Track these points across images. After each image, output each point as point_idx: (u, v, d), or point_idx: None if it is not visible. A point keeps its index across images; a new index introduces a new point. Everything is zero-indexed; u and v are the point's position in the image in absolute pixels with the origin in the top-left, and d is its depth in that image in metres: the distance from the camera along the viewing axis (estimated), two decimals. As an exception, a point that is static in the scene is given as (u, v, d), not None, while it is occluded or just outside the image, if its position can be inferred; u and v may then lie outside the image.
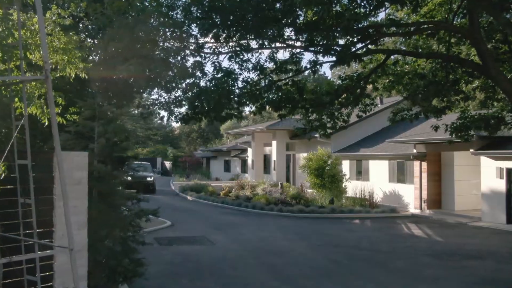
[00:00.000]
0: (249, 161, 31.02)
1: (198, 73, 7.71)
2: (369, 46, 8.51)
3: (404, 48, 11.24)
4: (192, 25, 7.61)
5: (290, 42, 9.27)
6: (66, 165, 5.42)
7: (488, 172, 15.92)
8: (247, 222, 15.34)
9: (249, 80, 9.78)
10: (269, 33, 7.59)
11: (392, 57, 10.84)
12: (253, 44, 9.28)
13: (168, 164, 48.51)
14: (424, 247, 11.23)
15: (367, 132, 24.65)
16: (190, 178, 32.11)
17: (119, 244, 6.76)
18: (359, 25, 7.49)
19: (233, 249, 10.78)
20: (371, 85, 11.23)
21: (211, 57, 8.54)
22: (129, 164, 7.50)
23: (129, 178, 23.29)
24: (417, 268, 9.07)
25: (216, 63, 8.46)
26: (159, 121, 70.90)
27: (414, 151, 18.51)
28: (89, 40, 9.07)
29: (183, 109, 9.70)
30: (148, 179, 25.47)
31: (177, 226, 14.11)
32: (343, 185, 20.11)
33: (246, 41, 8.44)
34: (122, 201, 6.83)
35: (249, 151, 31.12)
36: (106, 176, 6.74)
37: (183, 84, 7.89)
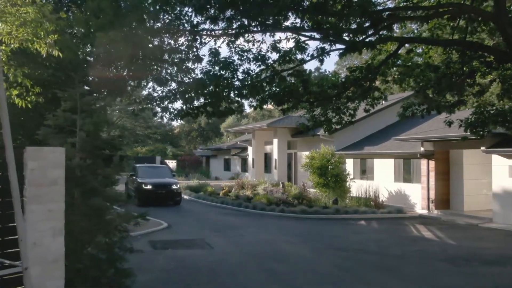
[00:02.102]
0: (250, 159, 30.30)
1: (191, 56, 6.95)
2: (382, 33, 7.76)
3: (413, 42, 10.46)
4: (186, 8, 6.86)
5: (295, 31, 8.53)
6: (38, 162, 4.70)
7: (500, 171, 15.18)
8: (248, 224, 14.62)
9: (250, 71, 9.03)
10: (274, 15, 6.80)
11: (401, 50, 10.11)
12: (255, 33, 8.54)
13: (171, 163, 47.76)
14: (436, 251, 10.50)
15: (371, 130, 23.96)
16: (189, 177, 31.40)
17: (104, 252, 6.06)
18: (373, 9, 6.75)
19: (232, 253, 10.06)
20: (379, 78, 10.51)
21: (207, 40, 7.75)
22: (120, 163, 6.69)
23: (149, 187, 18.41)
24: (432, 275, 8.34)
25: (213, 50, 7.69)
26: (159, 120, 70.41)
27: (422, 149, 17.76)
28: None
29: (178, 104, 8.99)
30: (174, 187, 19.33)
31: (174, 228, 13.38)
32: (347, 184, 19.38)
33: (246, 27, 7.67)
34: (108, 203, 6.10)
35: (250, 149, 30.40)
36: (89, 175, 6.02)
37: (176, 70, 7.12)
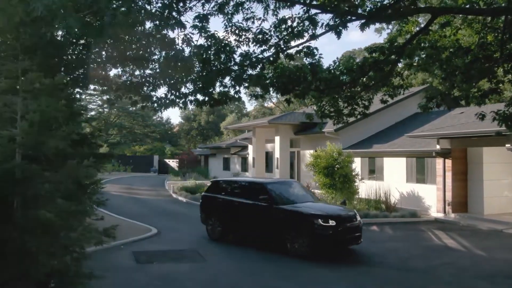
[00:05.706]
0: (250, 158, 28.81)
1: (172, 22, 5.44)
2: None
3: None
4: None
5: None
6: None
7: (528, 171, 13.69)
8: (247, 230, 13.09)
9: (249, 53, 7.53)
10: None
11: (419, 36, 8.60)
12: (256, 11, 7.05)
13: (173, 162, 46.37)
14: (467, 265, 8.99)
15: (380, 127, 22.44)
16: (186, 177, 29.94)
17: (54, 278, 4.60)
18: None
19: (229, 268, 8.58)
20: (402, 63, 9.03)
21: (192, 5, 6.22)
22: (77, 166, 5.06)
23: (332, 223, 9.63)
24: (470, 298, 6.86)
25: (201, 15, 6.16)
26: (159, 119, 68.97)
27: (438, 147, 16.23)
28: None
29: (162, 91, 7.52)
30: (358, 219, 10.64)
31: (164, 235, 11.89)
32: (356, 185, 17.86)
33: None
34: (59, 216, 4.61)
35: (250, 148, 28.90)
36: (34, 180, 4.54)
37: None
